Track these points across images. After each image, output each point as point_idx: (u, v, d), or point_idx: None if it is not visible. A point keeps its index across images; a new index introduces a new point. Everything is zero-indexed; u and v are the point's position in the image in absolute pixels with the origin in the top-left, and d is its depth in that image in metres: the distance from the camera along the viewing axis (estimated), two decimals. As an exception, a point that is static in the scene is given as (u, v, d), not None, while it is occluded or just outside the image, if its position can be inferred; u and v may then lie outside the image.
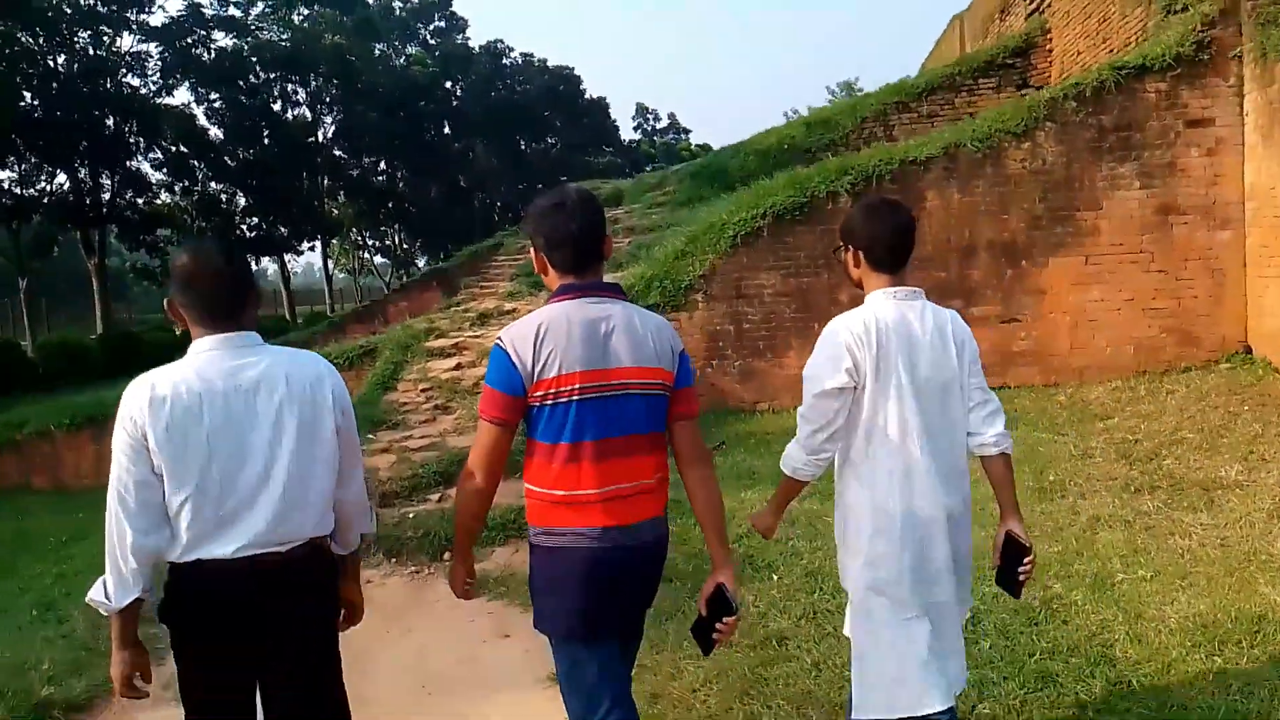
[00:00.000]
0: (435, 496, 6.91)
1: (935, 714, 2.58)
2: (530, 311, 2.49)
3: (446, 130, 44.67)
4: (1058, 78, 13.44)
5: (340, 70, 37.38)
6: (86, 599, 2.28)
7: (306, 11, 40.19)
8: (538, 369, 2.30)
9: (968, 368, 2.68)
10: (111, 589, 2.23)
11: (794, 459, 2.66)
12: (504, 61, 46.94)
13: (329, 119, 40.89)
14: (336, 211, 42.71)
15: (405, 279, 48.66)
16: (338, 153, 41.30)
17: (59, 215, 30.14)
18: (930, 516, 2.60)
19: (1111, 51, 11.15)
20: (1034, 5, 14.35)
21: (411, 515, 6.69)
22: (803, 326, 8.88)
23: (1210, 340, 8.47)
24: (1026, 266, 8.63)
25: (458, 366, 8.70)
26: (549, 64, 47.30)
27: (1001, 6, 16.19)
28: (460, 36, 46.57)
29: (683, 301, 8.97)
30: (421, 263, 55.30)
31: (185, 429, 2.17)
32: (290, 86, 38.70)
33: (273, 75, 37.53)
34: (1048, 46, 13.70)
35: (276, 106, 38.44)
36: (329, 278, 46.66)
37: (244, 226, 37.10)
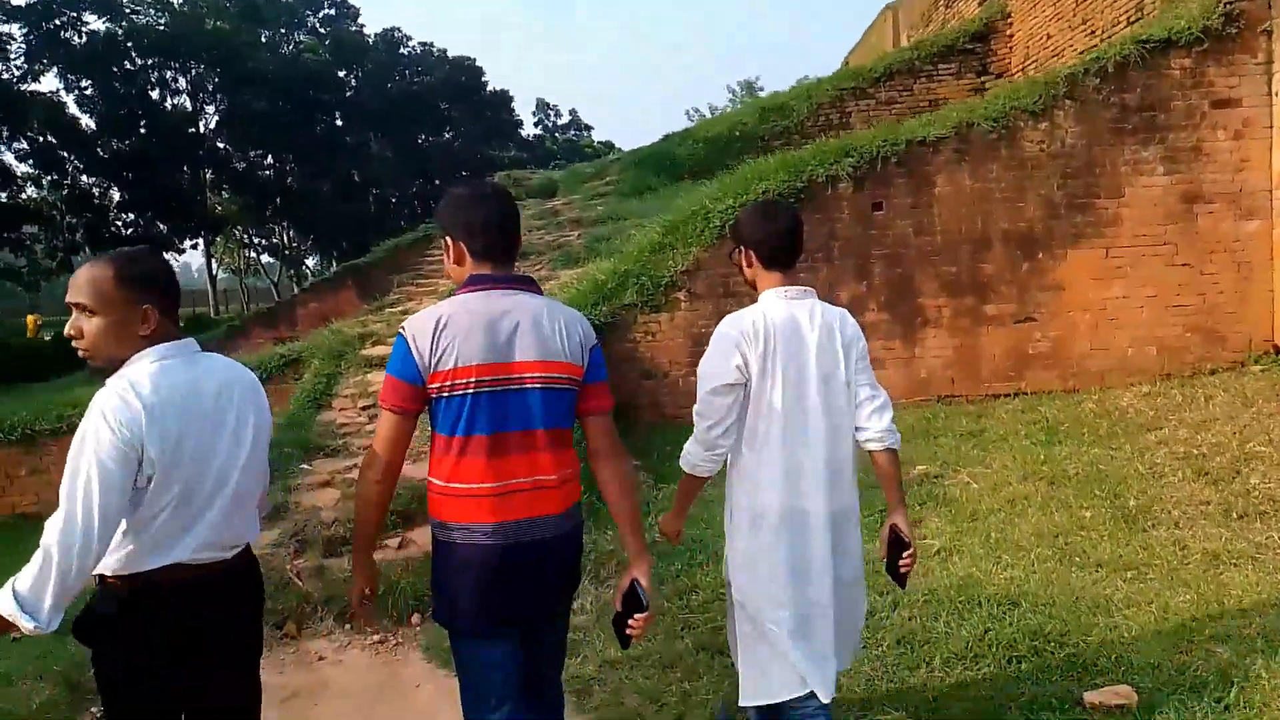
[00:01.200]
0: (394, 542, 5.62)
1: (805, 702, 2.71)
2: None
3: (339, 122, 42.49)
4: (1020, 64, 12.83)
5: (223, 56, 35.12)
6: (4, 612, 2.05)
7: (186, -5, 37.70)
8: (435, 360, 2.30)
9: (855, 364, 2.74)
10: (47, 609, 2.06)
11: (692, 455, 2.72)
12: (401, 51, 44.95)
13: (212, 109, 38.53)
14: (220, 207, 40.22)
15: (296, 278, 47.05)
16: (221, 145, 38.91)
17: (-92, 209, 27.23)
18: (810, 514, 2.66)
19: (1093, 34, 10.50)
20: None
21: (367, 566, 5.40)
22: (799, 328, 7.85)
23: (1236, 339, 7.78)
24: (1044, 260, 7.80)
25: (404, 378, 7.38)
26: (449, 54, 45.43)
27: (947, -8, 15.58)
28: (353, 25, 44.36)
29: (663, 301, 7.85)
30: (311, 261, 52.96)
31: (176, 433, 2.16)
32: (169, 74, 36.32)
33: (150, 61, 35.07)
34: (1008, 32, 13.09)
35: (154, 95, 35.97)
36: (213, 278, 43.92)
37: (119, 223, 34.47)
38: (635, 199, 12.10)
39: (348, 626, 5.09)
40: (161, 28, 34.68)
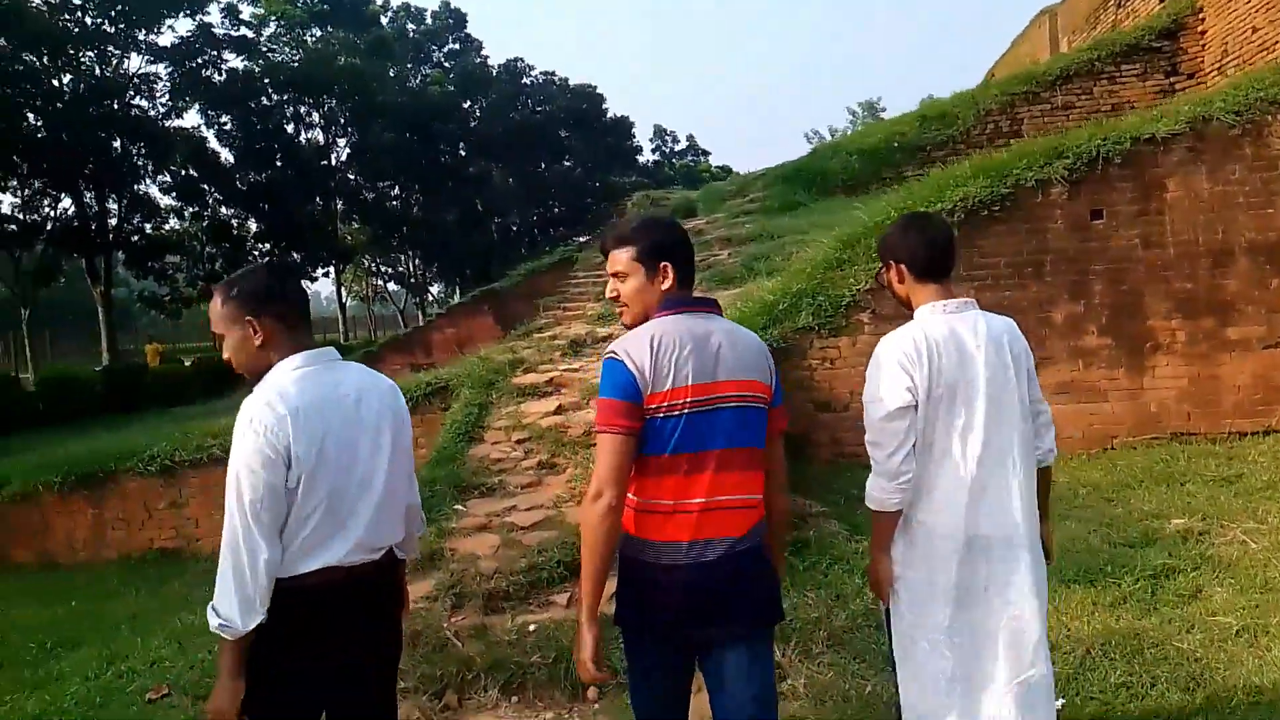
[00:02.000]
0: (563, 598, 4.91)
1: None
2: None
3: (462, 152, 43.03)
4: (1216, 63, 11.52)
5: (354, 91, 35.84)
6: (212, 627, 2.22)
7: (319, 32, 38.85)
8: (654, 379, 2.30)
9: (1025, 377, 2.65)
10: (238, 613, 2.18)
11: (877, 490, 2.56)
12: (524, 81, 45.28)
13: (342, 141, 39.40)
14: (349, 237, 41.05)
15: (421, 305, 47.91)
16: (351, 176, 39.74)
17: (63, 242, 28.28)
18: (989, 536, 2.54)
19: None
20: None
21: (533, 628, 4.70)
22: (1003, 354, 6.87)
23: None
24: (1298, 274, 6.65)
25: (559, 409, 6.69)
26: (570, 83, 45.59)
27: (1120, -10, 14.30)
28: (477, 57, 45.02)
29: (843, 323, 6.98)
30: (436, 289, 53.85)
31: (320, 439, 2.23)
32: (303, 108, 37.22)
33: (285, 97, 36.01)
34: (1199, 29, 11.79)
35: (289, 129, 36.94)
36: (342, 305, 44.86)
37: (255, 252, 35.37)
38: (785, 216, 11.27)
39: (514, 700, 4.39)
40: (296, 64, 35.64)
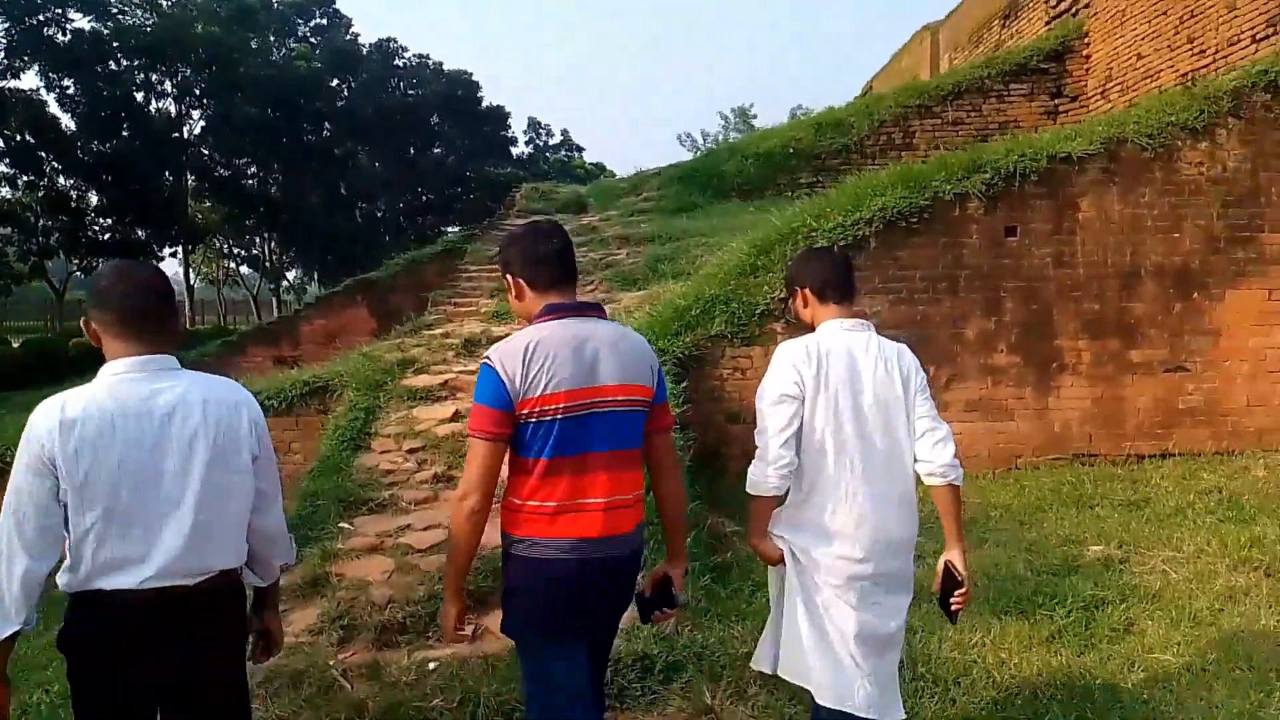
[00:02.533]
0: (469, 630, 4.41)
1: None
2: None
3: (329, 132, 41.20)
4: (1099, 87, 11.86)
5: (212, 60, 33.72)
6: None
7: (176, -2, 36.42)
8: (525, 387, 2.34)
9: (914, 396, 2.73)
10: None
11: (756, 474, 2.67)
12: (396, 62, 43.71)
13: (197, 114, 37.06)
14: (201, 216, 38.71)
15: (277, 291, 45.66)
16: (206, 151, 37.46)
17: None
18: (868, 542, 2.62)
19: (1203, 54, 9.53)
20: (1061, 6, 12.77)
21: (434, 666, 4.20)
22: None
23: None
24: (1199, 300, 6.74)
25: (456, 416, 6.12)
26: (445, 67, 44.30)
27: (1005, 10, 14.64)
28: (346, 34, 43.19)
29: (756, 332, 6.69)
30: (293, 275, 51.46)
31: (96, 452, 2.11)
32: (155, 76, 34.79)
33: (136, 63, 33.57)
34: (1085, 53, 12.12)
35: (139, 97, 34.44)
36: (190, 289, 42.30)
37: (96, 227, 32.92)
38: (681, 216, 10.97)
39: (415, 755, 3.87)
40: (149, 29, 33.27)
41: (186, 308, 41.50)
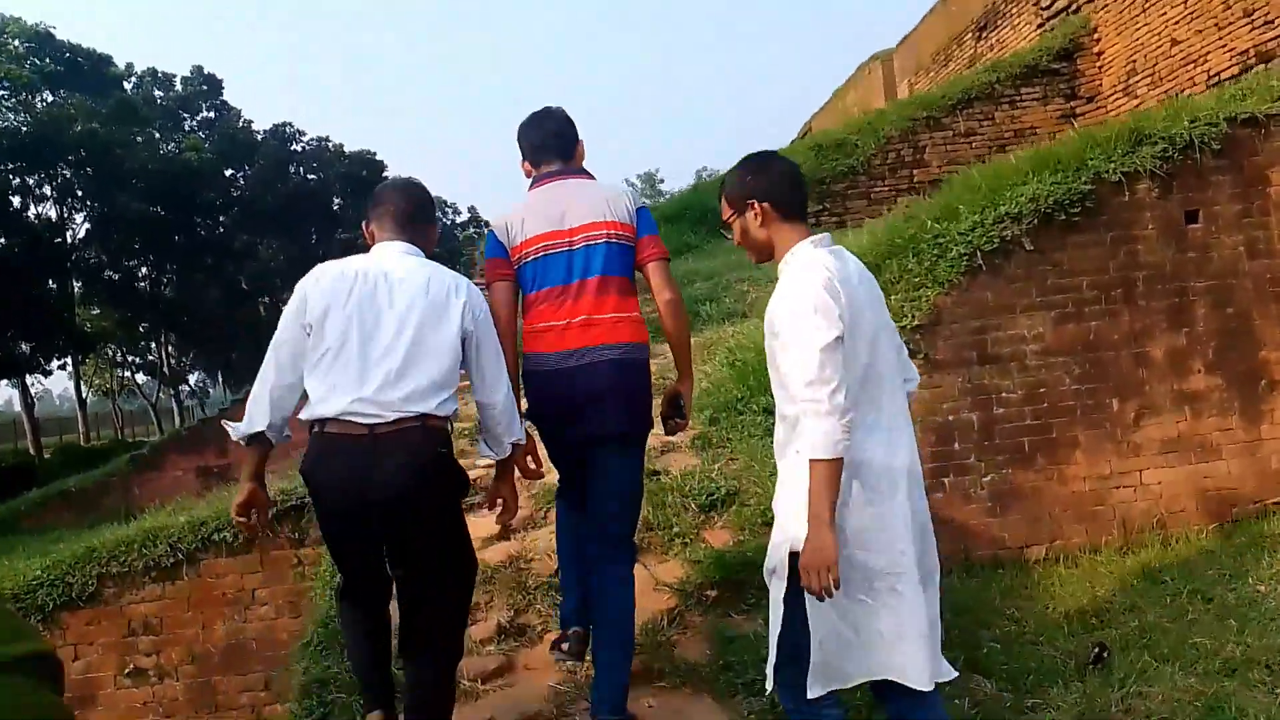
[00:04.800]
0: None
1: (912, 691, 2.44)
2: None
3: (224, 225, 38.77)
4: (1117, 85, 10.73)
5: (94, 159, 31.27)
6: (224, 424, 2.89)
7: (52, 97, 33.91)
8: (511, 237, 3.09)
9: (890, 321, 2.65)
10: (243, 421, 2.74)
11: (827, 434, 2.26)
12: (293, 147, 41.60)
13: (80, 216, 34.44)
14: (89, 324, 35.70)
15: (177, 396, 42.48)
16: (92, 254, 34.70)
17: None
18: (899, 470, 2.45)
19: (1270, 25, 8.39)
20: (1056, 5, 11.71)
21: None
22: (1093, 405, 5.11)
23: None
24: None
25: (506, 533, 4.26)
26: (346, 148, 42.37)
27: (979, 23, 13.59)
28: (239, 122, 41.06)
29: (882, 375, 4.98)
30: (194, 378, 48.18)
31: (335, 295, 2.69)
32: (32, 179, 32.13)
33: (10, 166, 30.87)
34: (1095, 49, 11.02)
35: (16, 202, 31.66)
36: (82, 402, 38.93)
37: (-28, 342, 29.74)
38: (684, 259, 9.33)
39: None
40: (24, 131, 30.73)
41: (79, 422, 38.11)
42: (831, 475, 2.26)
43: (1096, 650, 3.87)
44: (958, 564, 4.83)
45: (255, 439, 2.73)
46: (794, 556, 2.35)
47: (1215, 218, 5.23)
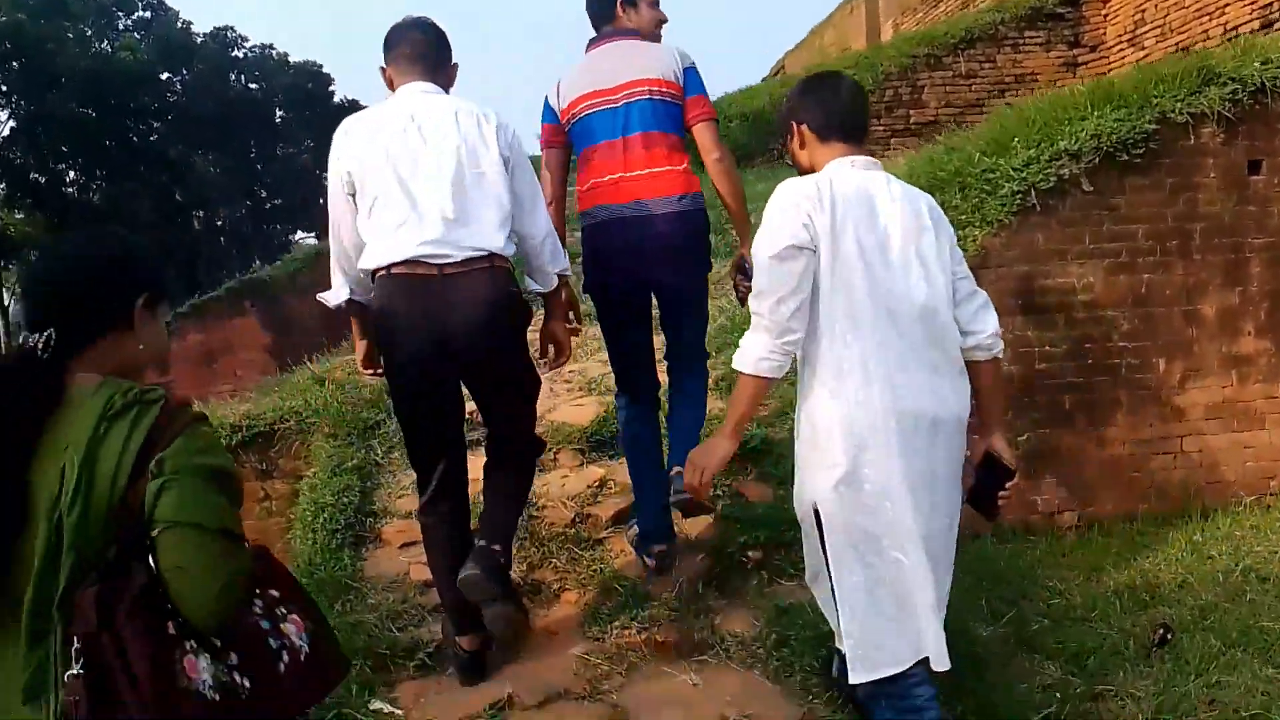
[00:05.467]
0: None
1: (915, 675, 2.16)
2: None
3: (159, 133, 36.88)
4: (1123, 35, 10.35)
5: (21, 53, 29.34)
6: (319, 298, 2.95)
7: (-23, -13, 31.68)
8: (559, 99, 3.12)
9: (949, 251, 2.29)
10: (331, 293, 2.87)
11: (755, 348, 2.17)
12: (236, 53, 39.51)
13: (5, 114, 32.48)
14: (13, 228, 33.91)
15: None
16: (18, 154, 32.82)
17: None
18: (917, 413, 2.14)
19: (1254, 7, 8.04)
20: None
21: None
22: (1139, 364, 4.76)
23: None
24: None
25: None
26: (291, 58, 40.42)
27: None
28: (178, 24, 38.84)
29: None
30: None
31: (367, 148, 2.64)
32: (-44, 74, 30.12)
33: (-71, 56, 28.87)
34: (1103, -4, 10.60)
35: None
36: (4, 308, 37.10)
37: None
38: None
39: None
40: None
41: (1, 332, 36.41)
42: (751, 392, 2.22)
43: (1161, 632, 3.55)
44: (987, 530, 4.47)
45: (349, 303, 2.83)
46: (816, 513, 2.21)
47: (1279, 169, 4.86)
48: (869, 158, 2.33)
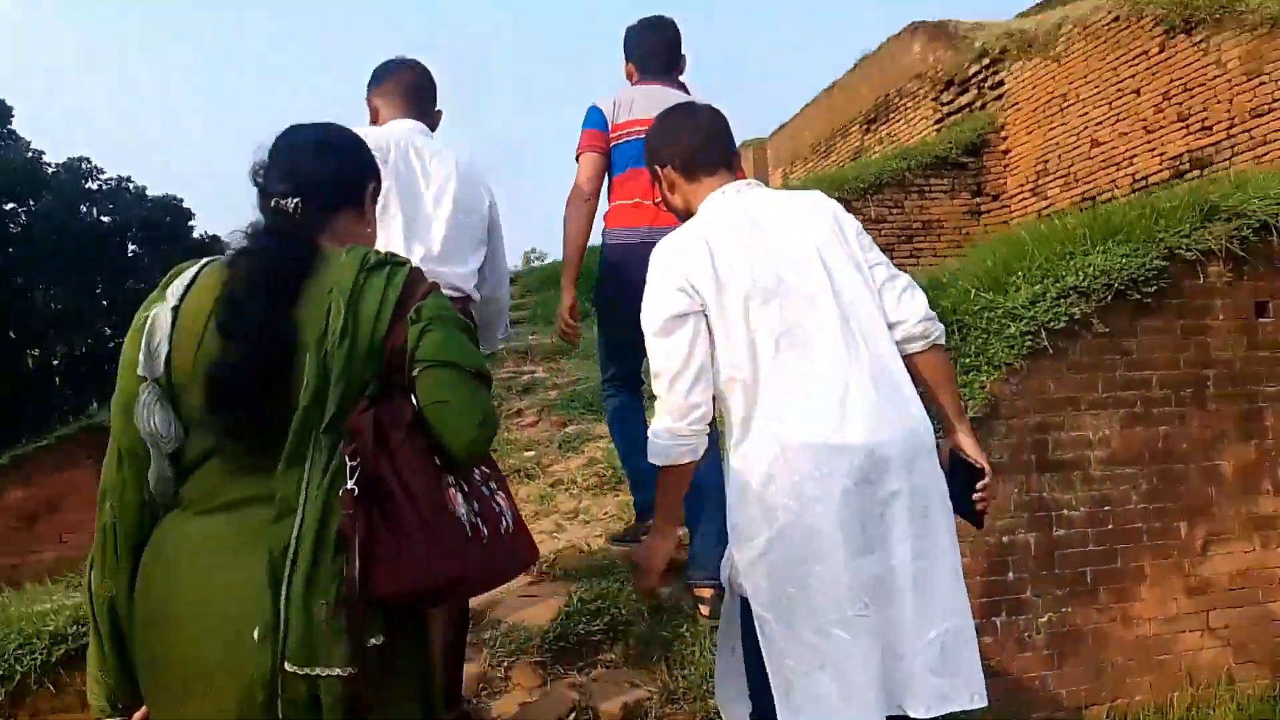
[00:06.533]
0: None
1: None
2: None
3: (-3, 264, 34.29)
4: (1024, 184, 10.48)
5: None
6: None
7: None
8: (615, 112, 3.30)
9: (855, 242, 2.05)
10: None
11: (661, 437, 1.94)
12: (89, 185, 37.55)
13: None
14: None
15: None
16: None
17: None
18: (851, 448, 1.81)
19: (1208, 130, 8.17)
20: (960, 101, 11.47)
21: None
22: (1161, 528, 4.18)
23: None
24: None
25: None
26: (149, 192, 38.67)
27: (868, 116, 13.30)
28: (28, 153, 36.84)
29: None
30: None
31: (399, 173, 2.70)
32: None
33: None
34: (1002, 148, 10.75)
35: None
36: None
37: None
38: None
39: None
40: None
41: None
42: (672, 481, 2.00)
43: None
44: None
45: None
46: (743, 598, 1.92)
47: (1285, 312, 4.48)
48: (744, 180, 2.15)
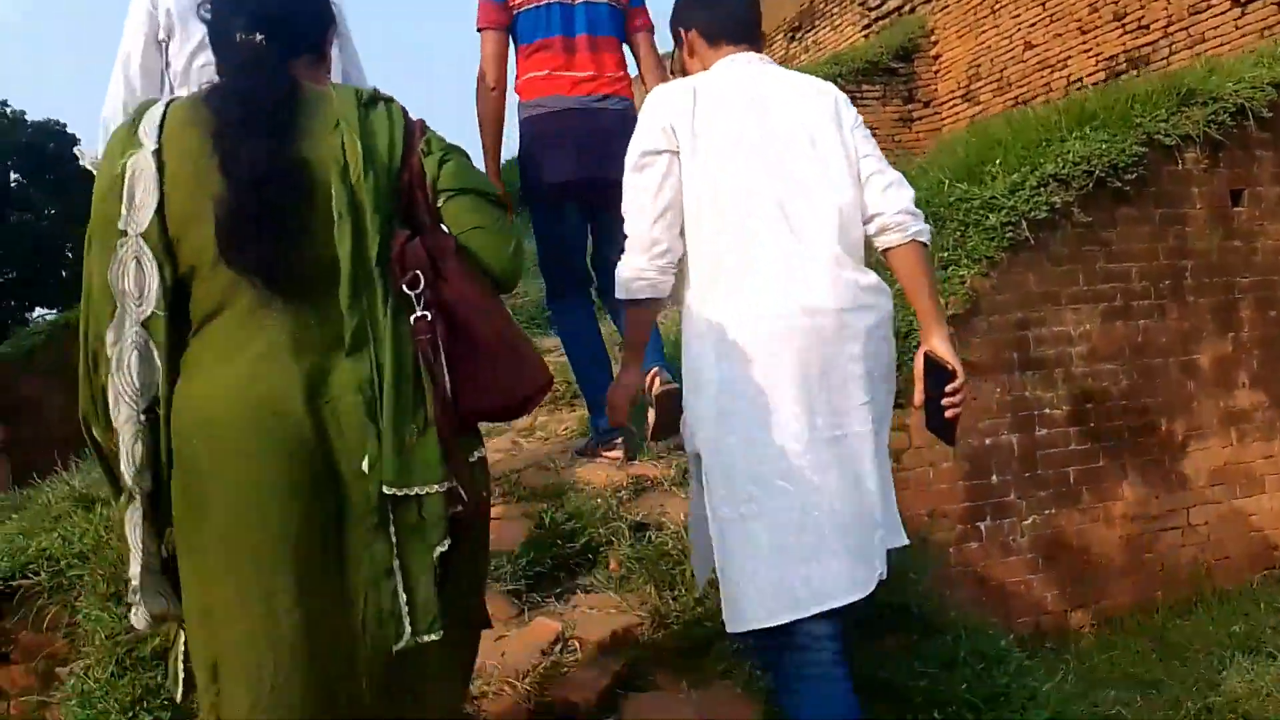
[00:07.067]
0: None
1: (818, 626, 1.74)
2: None
3: None
4: (956, 90, 10.28)
5: None
6: None
7: None
8: None
9: (850, 133, 1.97)
10: None
11: (625, 271, 1.92)
12: (-42, 110, 34.97)
13: None
14: None
15: None
16: None
17: None
18: (814, 309, 1.78)
19: (1145, 29, 8.03)
20: (887, 5, 11.15)
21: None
22: (1142, 425, 4.04)
23: None
24: None
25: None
26: (29, 117, 36.17)
27: (792, 24, 12.91)
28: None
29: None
30: None
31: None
32: None
33: None
34: (933, 53, 10.49)
35: None
36: None
37: None
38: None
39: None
40: None
41: None
42: (635, 318, 2.01)
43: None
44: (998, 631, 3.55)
45: None
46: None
47: (1260, 200, 4.33)
48: (760, 55, 2.07)
